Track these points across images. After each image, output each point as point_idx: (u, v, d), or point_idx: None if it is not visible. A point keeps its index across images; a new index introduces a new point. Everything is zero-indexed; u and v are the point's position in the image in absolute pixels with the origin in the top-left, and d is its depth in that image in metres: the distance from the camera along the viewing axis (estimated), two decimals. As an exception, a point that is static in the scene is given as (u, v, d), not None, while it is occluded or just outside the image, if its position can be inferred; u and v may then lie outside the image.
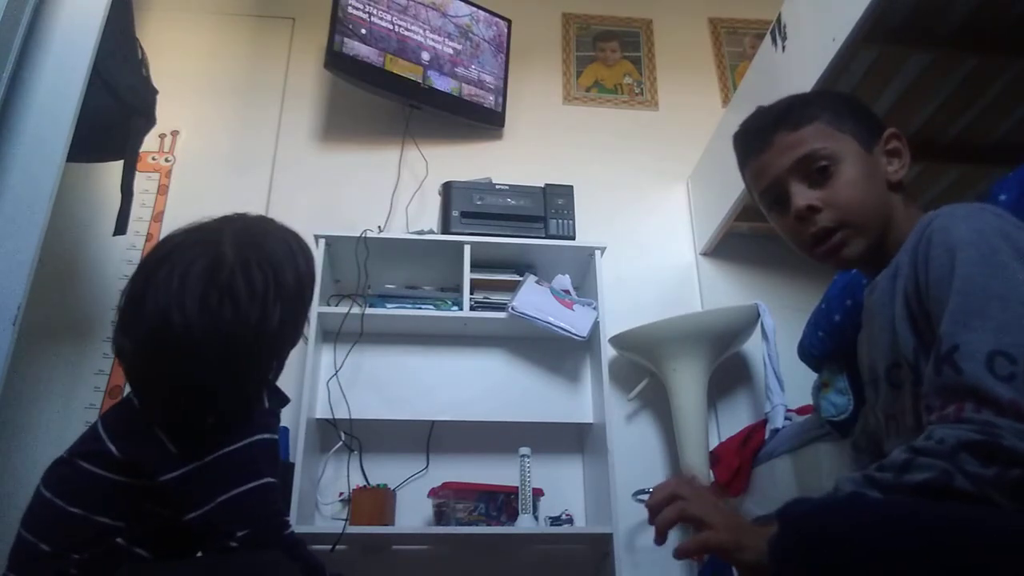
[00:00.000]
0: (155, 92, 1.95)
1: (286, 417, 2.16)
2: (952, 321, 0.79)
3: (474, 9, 2.82)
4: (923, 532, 0.65)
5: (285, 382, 2.53)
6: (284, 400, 1.06)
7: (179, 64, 2.65)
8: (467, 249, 2.21)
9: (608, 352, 2.24)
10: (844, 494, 0.82)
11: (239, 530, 0.89)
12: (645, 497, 2.17)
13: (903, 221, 0.98)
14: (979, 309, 0.78)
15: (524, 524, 1.97)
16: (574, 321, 2.14)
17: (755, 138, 1.06)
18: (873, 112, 1.08)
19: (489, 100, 2.76)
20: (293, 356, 2.26)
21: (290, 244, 1.02)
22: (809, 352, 1.69)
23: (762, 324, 2.25)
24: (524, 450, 2.04)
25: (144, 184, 2.44)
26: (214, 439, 0.91)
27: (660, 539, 0.84)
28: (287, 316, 0.95)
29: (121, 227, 1.90)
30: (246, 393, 0.95)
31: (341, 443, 2.12)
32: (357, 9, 2.54)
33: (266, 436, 0.94)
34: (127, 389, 0.99)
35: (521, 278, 2.22)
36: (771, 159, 1.02)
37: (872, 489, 0.77)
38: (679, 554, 0.82)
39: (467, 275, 2.18)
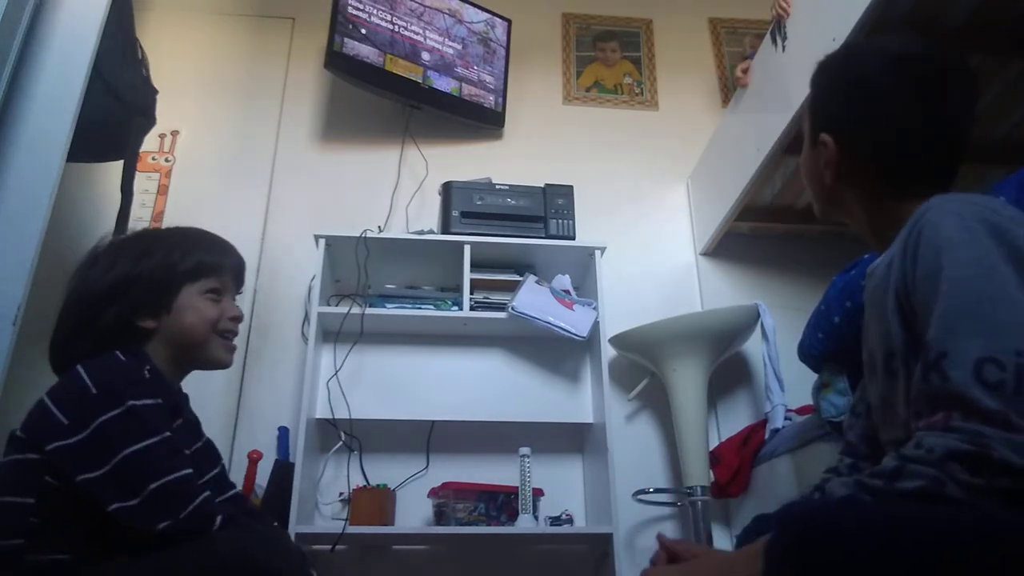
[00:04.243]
0: (155, 92, 1.96)
1: (287, 417, 2.17)
2: (939, 327, 0.76)
3: (488, 15, 2.82)
4: (923, 533, 0.64)
5: (285, 381, 2.53)
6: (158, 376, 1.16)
7: (179, 64, 2.65)
8: (467, 249, 2.20)
9: (608, 352, 2.24)
10: (839, 497, 0.82)
11: (151, 483, 0.96)
12: (645, 497, 2.18)
13: (882, 212, 0.97)
14: (967, 314, 0.75)
15: (524, 524, 1.97)
16: (574, 321, 2.14)
17: None
18: (837, 104, 1.01)
19: (489, 100, 2.76)
20: (293, 356, 2.30)
21: (152, 239, 1.24)
22: (808, 353, 1.70)
23: (762, 324, 2.25)
24: (524, 450, 2.04)
25: (144, 184, 2.44)
26: (94, 406, 1.00)
27: None
28: (117, 280, 1.15)
29: (121, 227, 1.90)
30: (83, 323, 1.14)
31: (341, 443, 2.12)
32: (357, 9, 2.54)
33: (148, 401, 1.04)
34: None
35: (521, 278, 2.22)
36: None
37: (863, 494, 0.76)
38: None
39: (467, 275, 2.18)
